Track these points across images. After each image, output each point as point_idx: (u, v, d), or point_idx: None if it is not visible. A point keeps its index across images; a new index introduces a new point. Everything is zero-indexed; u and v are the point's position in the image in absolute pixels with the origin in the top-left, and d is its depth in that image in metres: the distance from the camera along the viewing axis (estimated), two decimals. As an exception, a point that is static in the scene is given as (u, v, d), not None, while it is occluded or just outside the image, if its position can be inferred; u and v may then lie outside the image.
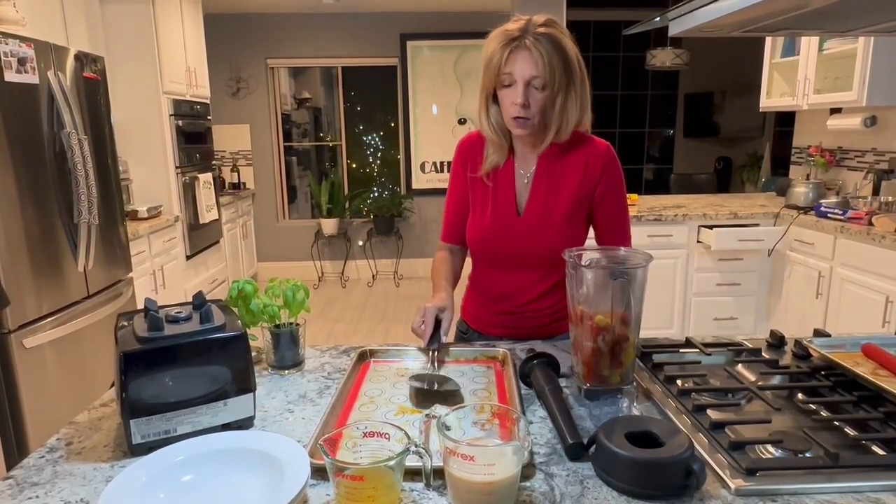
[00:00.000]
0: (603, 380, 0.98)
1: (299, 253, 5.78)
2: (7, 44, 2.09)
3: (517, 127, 1.23)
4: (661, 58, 5.23)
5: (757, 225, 3.36)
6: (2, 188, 2.06)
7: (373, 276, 5.79)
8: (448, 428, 0.72)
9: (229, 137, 5.56)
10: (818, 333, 1.18)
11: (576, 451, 0.81)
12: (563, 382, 1.04)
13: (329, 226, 5.53)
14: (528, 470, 0.78)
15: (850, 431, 0.86)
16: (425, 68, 5.53)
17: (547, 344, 1.27)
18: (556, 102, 1.20)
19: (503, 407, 0.84)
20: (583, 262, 1.01)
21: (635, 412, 0.95)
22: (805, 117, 3.99)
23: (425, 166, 5.73)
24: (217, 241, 4.48)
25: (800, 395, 0.98)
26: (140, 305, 0.88)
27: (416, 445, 0.72)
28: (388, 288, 5.51)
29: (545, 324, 1.36)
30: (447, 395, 1.01)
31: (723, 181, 6.69)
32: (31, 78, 2.21)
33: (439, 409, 0.79)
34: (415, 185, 5.75)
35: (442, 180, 5.71)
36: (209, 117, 4.42)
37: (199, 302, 0.94)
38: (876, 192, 3.17)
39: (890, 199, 2.96)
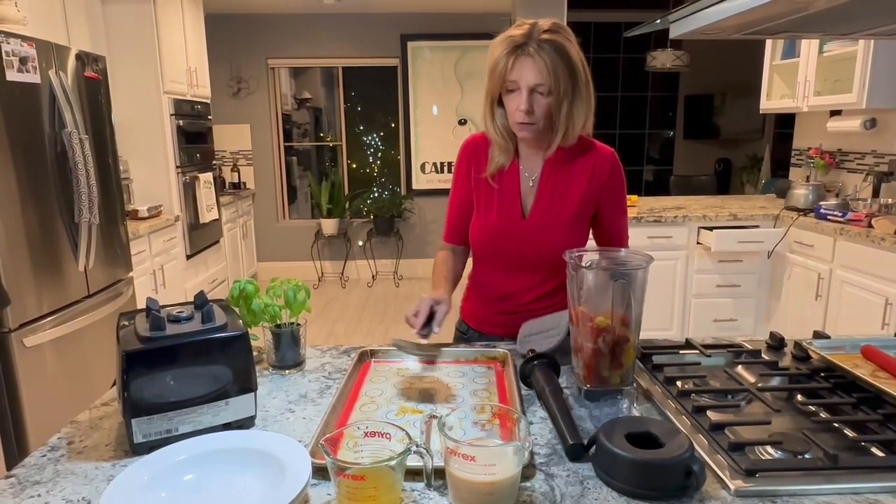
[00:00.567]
0: (603, 381, 0.99)
1: (299, 253, 5.79)
2: (9, 43, 2.09)
3: (521, 130, 1.24)
4: (662, 59, 5.23)
5: (757, 227, 3.36)
6: (3, 187, 2.07)
7: (373, 276, 5.79)
8: (449, 428, 0.73)
9: (230, 137, 5.56)
10: (818, 335, 1.19)
11: (576, 452, 0.81)
12: (562, 383, 1.05)
13: (329, 226, 5.53)
14: (528, 470, 0.78)
15: (849, 433, 0.86)
16: (426, 69, 5.54)
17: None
18: (562, 108, 1.21)
19: (503, 407, 0.84)
20: (583, 264, 1.01)
21: (635, 413, 0.95)
22: (805, 119, 3.99)
23: (425, 167, 5.73)
24: (217, 241, 4.49)
25: (799, 397, 0.98)
26: (140, 305, 0.88)
27: (417, 445, 0.72)
28: (387, 288, 5.51)
29: None
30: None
31: (723, 183, 6.69)
32: (33, 77, 2.22)
33: (440, 410, 0.79)
34: (415, 186, 5.75)
35: (442, 181, 5.71)
36: (210, 117, 4.43)
37: (200, 302, 0.95)
38: (876, 194, 3.18)
39: (890, 201, 2.96)
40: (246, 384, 0.90)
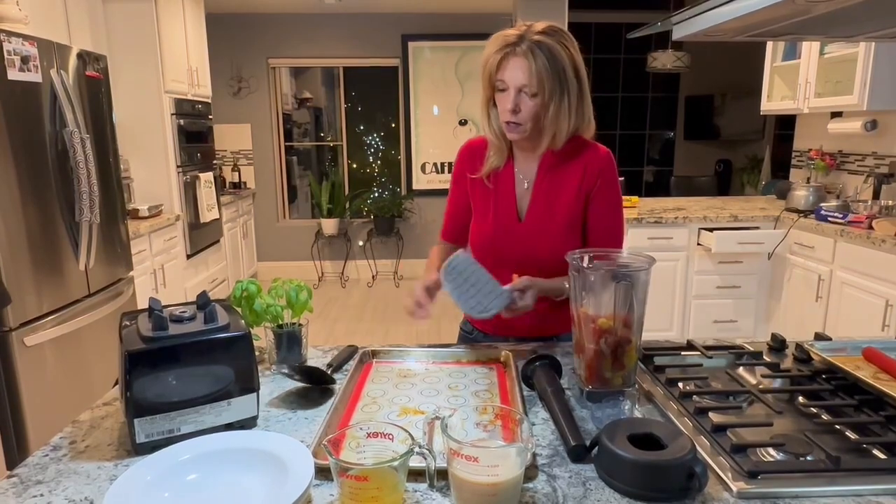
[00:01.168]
0: (605, 382, 0.99)
1: (299, 253, 5.79)
2: (10, 42, 2.09)
3: (509, 131, 1.25)
4: (662, 60, 5.23)
5: (757, 228, 3.36)
6: (4, 186, 2.07)
7: (373, 276, 5.79)
8: (451, 429, 0.73)
9: (230, 137, 5.56)
10: (819, 337, 1.19)
11: (578, 453, 0.81)
12: (564, 384, 1.05)
13: (329, 226, 5.53)
14: (530, 471, 0.78)
15: (851, 435, 0.86)
16: (427, 69, 5.54)
17: (548, 344, 1.27)
18: (548, 110, 1.22)
19: (505, 408, 0.84)
20: (586, 265, 1.01)
21: (637, 414, 0.95)
22: (806, 121, 4.00)
23: (426, 167, 5.73)
24: (217, 241, 4.49)
25: (801, 399, 0.98)
26: (140, 304, 0.88)
27: (419, 446, 0.72)
28: (388, 288, 5.51)
29: (547, 324, 1.36)
30: None
31: (723, 184, 6.69)
32: (34, 76, 2.22)
33: (442, 411, 0.79)
34: (415, 186, 5.75)
35: (443, 181, 5.71)
36: (210, 116, 4.43)
37: (202, 301, 0.95)
38: (876, 195, 3.18)
39: (890, 202, 2.97)
40: (248, 384, 0.90)
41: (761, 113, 3.97)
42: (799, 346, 1.17)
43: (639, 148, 7.08)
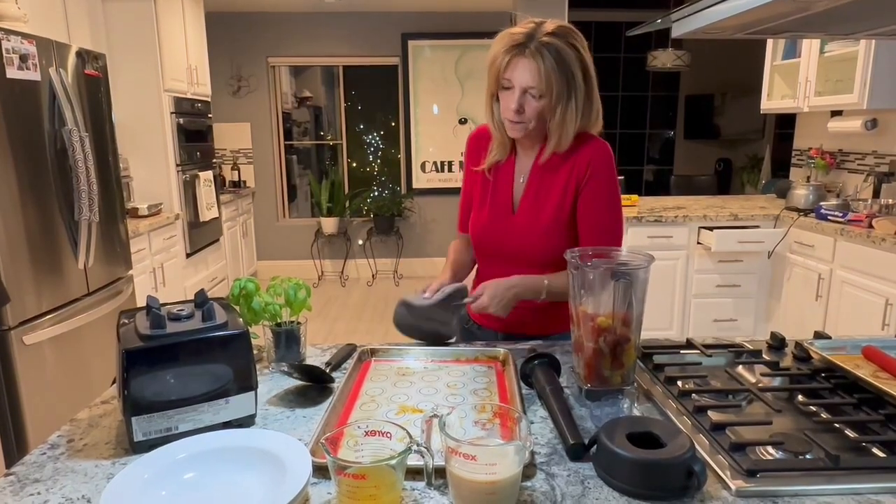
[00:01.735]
0: (604, 380, 0.98)
1: (299, 252, 5.78)
2: (9, 40, 2.09)
3: (511, 129, 1.25)
4: (662, 59, 5.23)
5: (757, 227, 3.36)
6: (3, 185, 2.06)
7: (373, 275, 5.79)
8: (449, 427, 0.72)
9: (230, 136, 5.56)
10: (819, 335, 1.18)
11: (577, 452, 0.81)
12: (563, 382, 1.04)
13: (329, 225, 5.53)
14: (528, 470, 0.78)
15: (850, 433, 0.86)
16: (426, 68, 5.53)
17: (547, 343, 1.27)
18: (555, 113, 1.21)
19: (504, 407, 0.84)
20: (585, 263, 1.01)
21: (636, 413, 0.95)
22: (806, 119, 3.99)
23: (426, 166, 5.73)
24: (217, 240, 4.48)
25: (800, 397, 0.98)
26: (140, 303, 0.88)
27: (417, 444, 0.72)
28: (387, 287, 5.51)
29: (542, 321, 1.36)
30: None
31: (723, 183, 6.69)
32: (33, 75, 2.21)
33: (441, 409, 0.79)
34: (415, 185, 5.75)
35: (442, 180, 5.71)
36: (210, 115, 4.42)
37: (201, 300, 0.95)
38: (876, 194, 3.17)
39: (890, 201, 2.96)
40: (246, 383, 0.90)
41: (761, 112, 3.96)
42: (798, 345, 1.16)
43: (639, 147, 7.08)
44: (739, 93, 6.43)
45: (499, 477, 0.68)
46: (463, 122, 5.63)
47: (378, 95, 5.76)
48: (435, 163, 5.72)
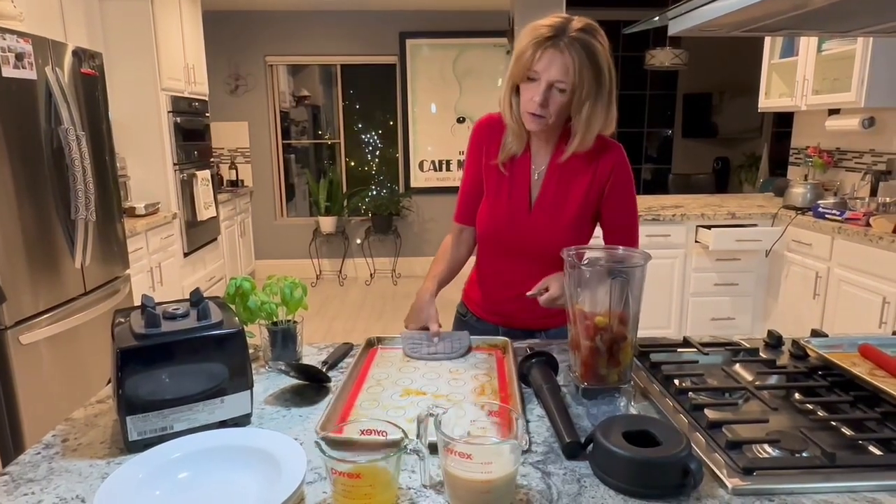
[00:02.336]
0: (601, 379, 0.98)
1: (297, 251, 5.78)
2: (5, 39, 2.08)
3: (531, 122, 1.23)
4: (660, 58, 5.23)
5: (755, 225, 3.36)
6: (-1, 184, 2.06)
7: (371, 274, 5.78)
8: (445, 424, 0.72)
9: (228, 135, 5.55)
10: (815, 333, 1.18)
11: (573, 450, 0.81)
12: (560, 381, 1.04)
13: (327, 224, 5.52)
14: (525, 468, 0.78)
15: (846, 431, 0.86)
16: (424, 67, 5.52)
17: (545, 340, 1.28)
18: (582, 110, 1.20)
19: (502, 406, 0.84)
20: (581, 262, 1.01)
21: (633, 411, 0.94)
22: (803, 118, 3.99)
23: (424, 165, 5.72)
24: (215, 239, 4.48)
25: (797, 395, 0.98)
26: (137, 302, 0.87)
27: (413, 443, 0.71)
28: (385, 286, 5.51)
29: (542, 315, 1.34)
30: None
31: (721, 181, 6.69)
32: (29, 74, 2.21)
33: (437, 408, 0.79)
34: (413, 184, 5.74)
35: (440, 179, 5.70)
36: (207, 114, 4.41)
37: (196, 299, 0.94)
38: (873, 193, 3.18)
39: (887, 200, 2.96)
40: (242, 382, 0.90)
41: (759, 110, 3.96)
42: (795, 343, 1.16)
43: (637, 146, 7.07)
44: (737, 91, 6.43)
45: (494, 476, 0.68)
46: (461, 120, 5.63)
47: (376, 94, 5.76)
48: (433, 162, 5.72)
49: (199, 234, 4.13)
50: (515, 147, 1.31)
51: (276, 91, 5.68)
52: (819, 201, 3.19)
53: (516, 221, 1.32)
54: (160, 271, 3.53)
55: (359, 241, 5.78)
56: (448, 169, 5.69)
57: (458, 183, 1.65)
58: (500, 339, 1.23)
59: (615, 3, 5.91)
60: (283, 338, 1.14)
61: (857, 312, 2.76)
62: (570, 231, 1.29)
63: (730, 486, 0.73)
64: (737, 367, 1.11)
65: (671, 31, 1.19)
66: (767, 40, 3.74)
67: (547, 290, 1.21)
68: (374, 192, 5.87)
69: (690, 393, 0.97)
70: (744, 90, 6.17)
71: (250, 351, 0.93)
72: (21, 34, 2.17)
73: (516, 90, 1.25)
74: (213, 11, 5.12)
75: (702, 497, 0.72)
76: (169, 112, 3.73)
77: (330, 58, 5.61)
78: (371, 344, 1.24)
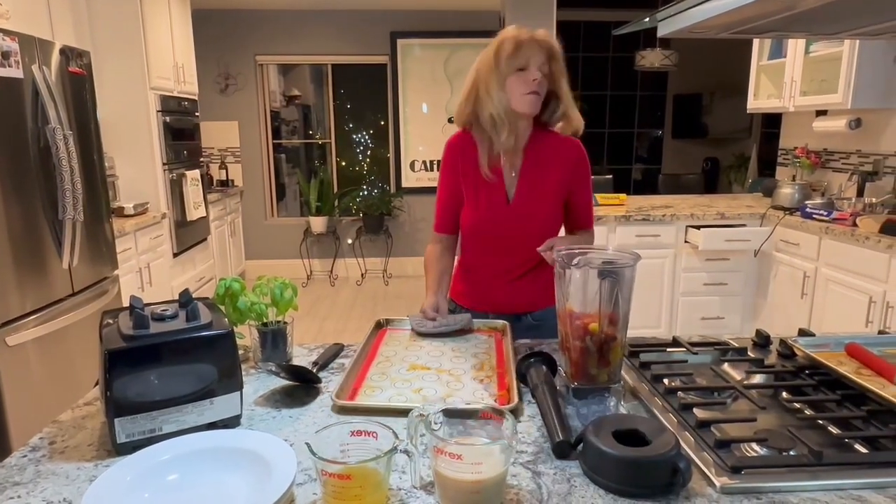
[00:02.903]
0: (590, 378, 0.98)
1: (288, 251, 5.76)
2: (-10, 37, 2.06)
3: (532, 102, 1.36)
4: (650, 59, 5.26)
5: (744, 225, 3.39)
6: (-15, 184, 2.04)
7: (362, 274, 5.77)
8: (437, 424, 0.72)
9: (217, 134, 5.52)
10: (803, 333, 1.19)
11: (563, 450, 0.81)
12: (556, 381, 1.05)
13: (318, 224, 5.50)
14: (515, 468, 0.78)
15: (833, 430, 0.87)
16: (416, 67, 5.52)
17: (544, 340, 1.31)
18: (561, 85, 1.40)
19: (497, 408, 0.84)
20: (572, 263, 1.01)
21: (622, 411, 0.95)
22: (791, 119, 4.03)
23: (415, 165, 5.72)
24: (205, 239, 4.45)
25: (784, 394, 0.99)
26: (126, 303, 0.87)
27: (403, 444, 0.71)
28: (377, 286, 5.50)
29: (528, 301, 1.51)
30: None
31: (710, 182, 6.74)
32: (16, 72, 2.18)
33: (428, 407, 0.79)
34: (404, 184, 5.74)
35: (431, 179, 5.70)
36: (197, 114, 4.38)
37: (185, 300, 0.94)
38: (860, 193, 3.21)
39: (874, 200, 3.00)
40: (231, 383, 0.90)
41: (748, 111, 3.99)
42: (783, 342, 1.17)
43: (627, 146, 7.11)
44: (727, 92, 6.48)
45: (484, 476, 0.68)
46: (452, 120, 5.62)
47: (367, 94, 5.74)
48: (424, 162, 5.72)
49: (188, 235, 4.10)
50: (508, 140, 1.41)
51: (266, 90, 5.65)
52: (807, 202, 3.22)
53: (497, 215, 1.46)
54: (149, 272, 3.50)
55: (350, 242, 5.77)
56: (439, 169, 5.67)
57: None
58: (500, 322, 1.35)
59: (605, 4, 5.94)
60: (273, 339, 1.13)
61: (844, 312, 2.79)
62: (547, 216, 1.46)
63: (718, 484, 0.74)
64: (725, 366, 1.12)
65: (661, 33, 1.20)
66: (756, 42, 3.77)
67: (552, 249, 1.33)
68: (366, 192, 5.85)
69: (679, 392, 0.97)
70: (733, 91, 6.21)
71: (240, 352, 0.93)
72: (7, 32, 2.14)
73: (499, 87, 1.38)
74: (203, 10, 5.09)
75: (690, 496, 0.73)
76: (158, 111, 3.71)
77: (321, 57, 5.59)
78: (380, 325, 1.37)
